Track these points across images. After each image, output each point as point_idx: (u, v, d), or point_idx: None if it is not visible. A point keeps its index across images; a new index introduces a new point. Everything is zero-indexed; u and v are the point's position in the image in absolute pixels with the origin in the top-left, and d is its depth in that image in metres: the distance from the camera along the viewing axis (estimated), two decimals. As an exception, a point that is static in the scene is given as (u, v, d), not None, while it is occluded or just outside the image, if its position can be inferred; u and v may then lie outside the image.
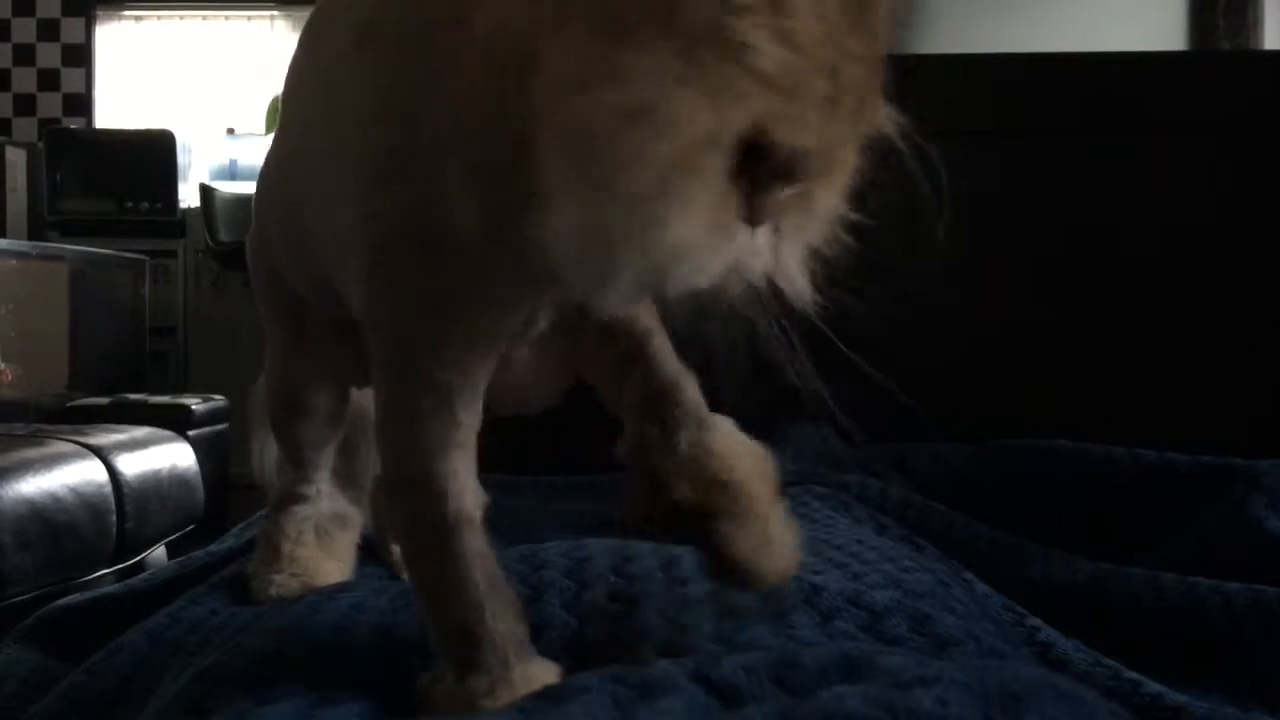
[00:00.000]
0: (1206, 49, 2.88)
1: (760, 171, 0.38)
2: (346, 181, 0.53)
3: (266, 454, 0.91)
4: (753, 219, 0.39)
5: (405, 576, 0.84)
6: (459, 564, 0.52)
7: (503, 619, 0.52)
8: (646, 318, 0.59)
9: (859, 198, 0.43)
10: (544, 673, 0.52)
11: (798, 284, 0.43)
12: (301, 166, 0.64)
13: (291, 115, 0.68)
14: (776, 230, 0.40)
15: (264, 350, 0.81)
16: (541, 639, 0.58)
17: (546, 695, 0.47)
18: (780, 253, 0.41)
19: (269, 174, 0.75)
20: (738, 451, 0.57)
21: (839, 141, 0.39)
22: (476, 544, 0.53)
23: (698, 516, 0.56)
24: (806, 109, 0.37)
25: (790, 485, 1.03)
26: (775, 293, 0.43)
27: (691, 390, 0.59)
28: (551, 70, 0.38)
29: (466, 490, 0.53)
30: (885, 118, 0.42)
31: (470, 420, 0.53)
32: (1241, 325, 1.38)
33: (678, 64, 0.36)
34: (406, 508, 0.54)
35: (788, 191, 0.39)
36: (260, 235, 0.79)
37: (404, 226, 0.49)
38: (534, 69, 0.39)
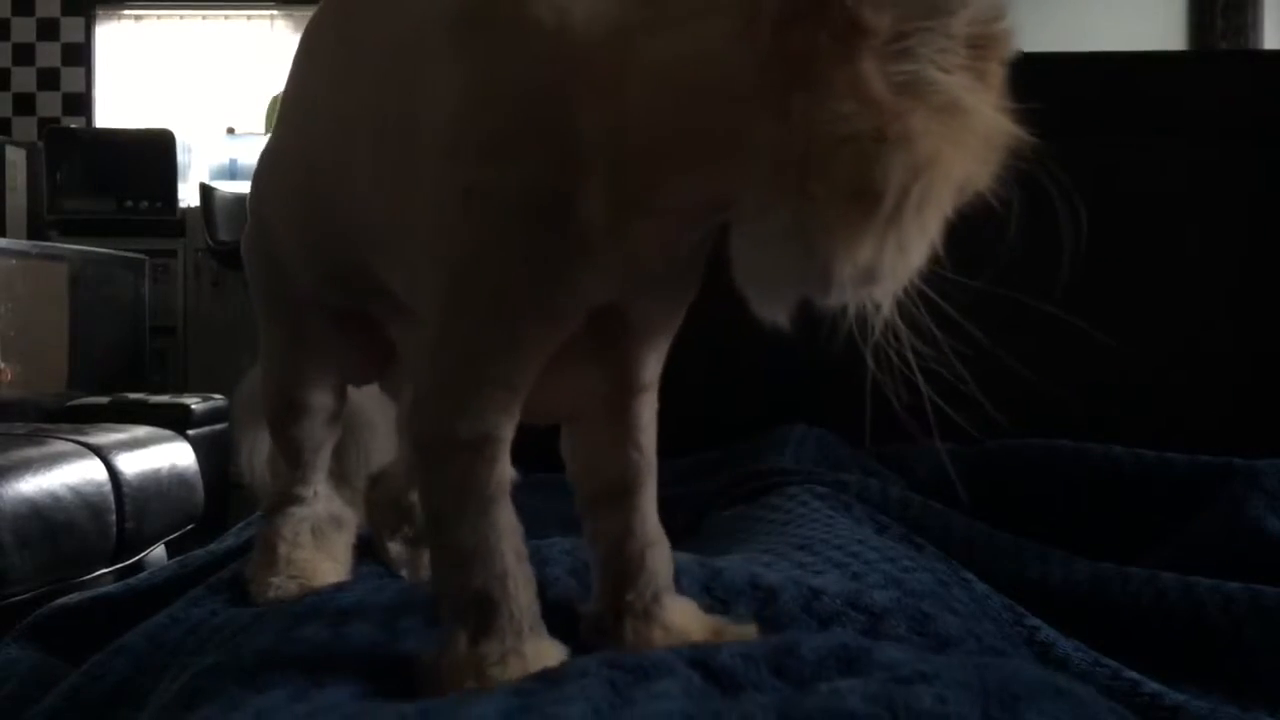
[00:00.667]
0: (1206, 48, 2.88)
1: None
2: (425, 162, 0.55)
3: (256, 455, 0.91)
4: None
5: (404, 574, 0.85)
6: (493, 531, 0.54)
7: (524, 592, 0.54)
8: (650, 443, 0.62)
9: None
10: (553, 651, 0.54)
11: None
12: (335, 154, 0.64)
13: (316, 106, 0.67)
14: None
15: (262, 350, 0.81)
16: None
17: (545, 677, 0.47)
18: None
19: (275, 168, 0.74)
20: (691, 628, 0.60)
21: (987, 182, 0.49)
22: (510, 516, 0.55)
23: None
24: (998, 157, 0.48)
25: (790, 485, 1.03)
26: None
27: (656, 563, 0.61)
28: (806, 124, 0.45)
29: (509, 463, 0.55)
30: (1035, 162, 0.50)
31: (522, 398, 0.55)
32: (1240, 324, 1.38)
33: (941, 127, 0.45)
34: (452, 469, 0.54)
35: None
36: (258, 231, 0.78)
37: (518, 200, 0.52)
38: (729, 109, 0.46)
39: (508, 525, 0.55)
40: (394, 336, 0.75)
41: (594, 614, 0.62)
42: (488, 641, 0.53)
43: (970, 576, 0.85)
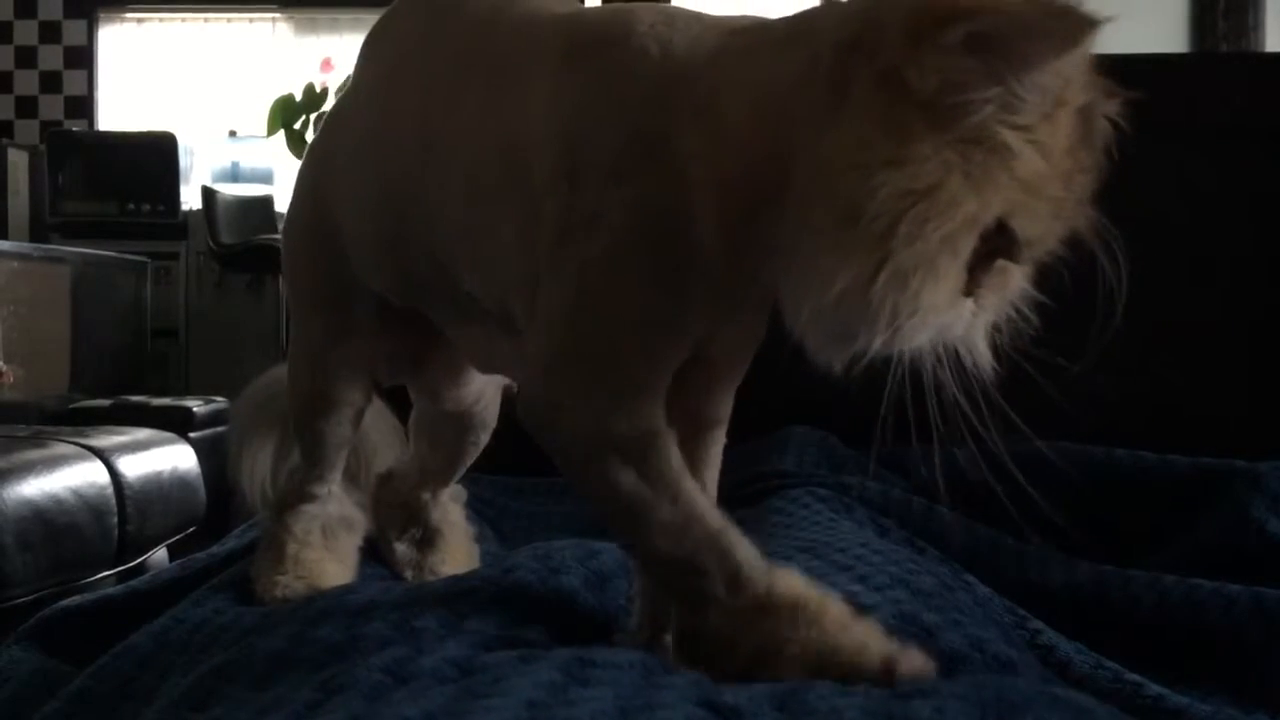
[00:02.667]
0: (1208, 51, 2.88)
1: (984, 250, 0.46)
2: (541, 186, 0.57)
3: (258, 471, 0.91)
4: (965, 289, 0.47)
5: (409, 575, 0.85)
6: (695, 500, 0.55)
7: (740, 538, 0.55)
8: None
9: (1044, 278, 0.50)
10: (792, 578, 0.55)
11: (981, 350, 0.50)
12: (425, 172, 0.66)
13: (400, 124, 0.69)
14: (976, 301, 0.48)
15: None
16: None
17: (557, 687, 0.47)
18: (974, 321, 0.49)
19: (346, 172, 0.75)
20: None
21: (1054, 234, 0.48)
22: (695, 485, 0.56)
23: None
24: (1042, 206, 0.46)
25: (792, 487, 1.03)
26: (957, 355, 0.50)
27: None
28: (832, 153, 0.45)
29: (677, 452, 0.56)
30: (1089, 216, 0.49)
31: (662, 399, 0.56)
32: (1241, 326, 1.38)
33: (956, 157, 0.43)
34: (629, 467, 0.54)
35: (997, 269, 0.46)
36: (312, 223, 0.78)
37: (639, 223, 0.53)
38: (793, 133, 0.47)
39: (698, 491, 0.56)
40: (451, 336, 0.76)
41: (634, 635, 0.62)
42: (744, 590, 0.53)
43: (972, 579, 0.85)
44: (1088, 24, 0.43)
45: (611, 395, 0.55)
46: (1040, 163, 0.45)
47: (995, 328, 0.51)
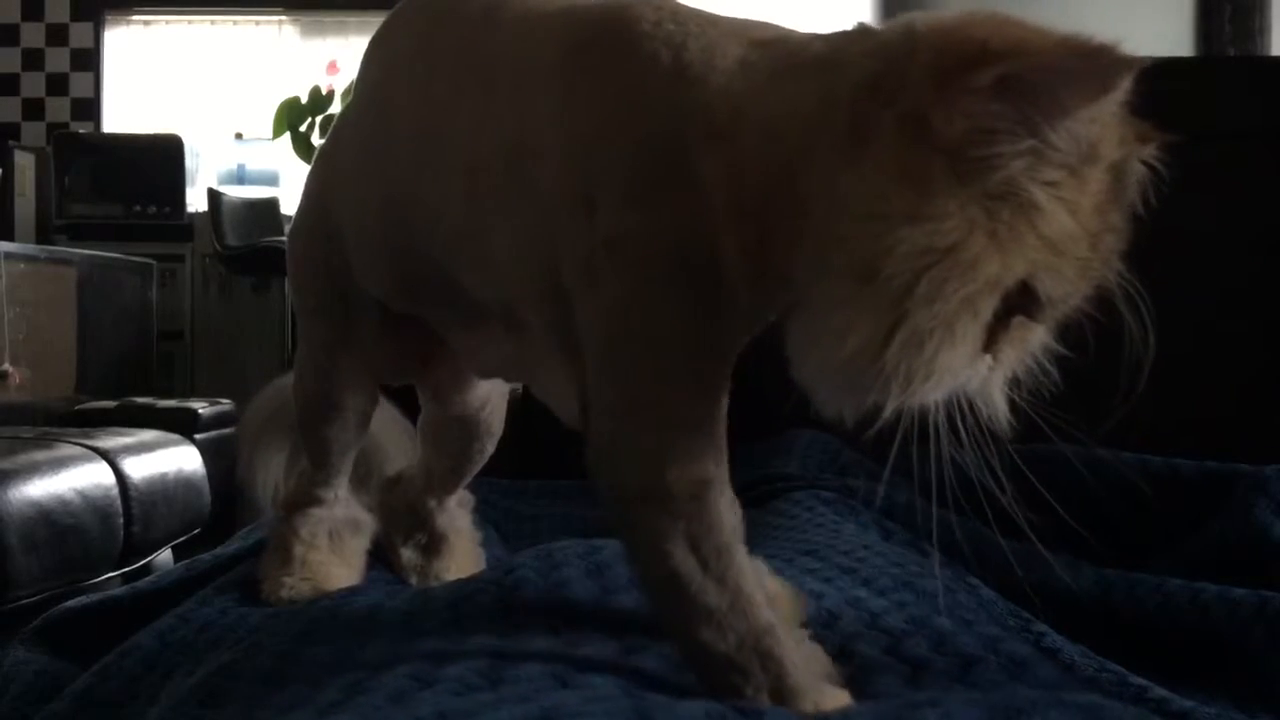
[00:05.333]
0: (1214, 55, 2.88)
1: (1004, 308, 0.44)
2: (553, 208, 0.54)
3: (271, 481, 0.91)
4: (984, 347, 0.45)
5: (413, 581, 0.85)
6: (743, 578, 0.51)
7: (788, 639, 0.51)
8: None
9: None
10: (840, 696, 0.51)
11: (998, 406, 0.48)
12: (423, 180, 0.65)
13: (400, 130, 0.68)
14: (994, 357, 0.46)
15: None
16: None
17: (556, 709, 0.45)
18: (991, 377, 0.47)
19: (350, 179, 0.74)
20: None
21: (1079, 294, 0.46)
22: (745, 558, 0.52)
23: None
24: (1068, 266, 0.43)
25: (797, 490, 1.03)
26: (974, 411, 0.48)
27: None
28: (848, 199, 0.43)
29: (730, 505, 0.53)
30: (1115, 275, 0.46)
31: (716, 440, 0.53)
32: (1244, 330, 1.38)
33: (980, 214, 0.41)
34: (676, 522, 0.51)
35: (1016, 324, 0.45)
36: (316, 229, 0.78)
37: (661, 249, 0.50)
38: (812, 171, 0.45)
39: (749, 568, 0.52)
40: (451, 342, 0.76)
41: None
42: (788, 703, 0.49)
43: (976, 582, 0.85)
44: (1125, 66, 0.40)
45: (664, 437, 0.51)
46: (1069, 222, 0.42)
47: (1012, 382, 0.49)
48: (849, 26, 0.48)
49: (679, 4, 0.55)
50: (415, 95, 0.67)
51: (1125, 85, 0.41)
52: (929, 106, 0.41)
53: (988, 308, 0.43)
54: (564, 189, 0.54)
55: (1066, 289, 0.44)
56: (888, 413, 0.44)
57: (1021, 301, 0.44)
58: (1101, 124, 0.43)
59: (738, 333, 0.53)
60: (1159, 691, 0.66)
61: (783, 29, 0.53)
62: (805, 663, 0.51)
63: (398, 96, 0.69)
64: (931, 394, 0.44)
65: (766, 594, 0.53)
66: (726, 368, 0.53)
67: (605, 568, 0.68)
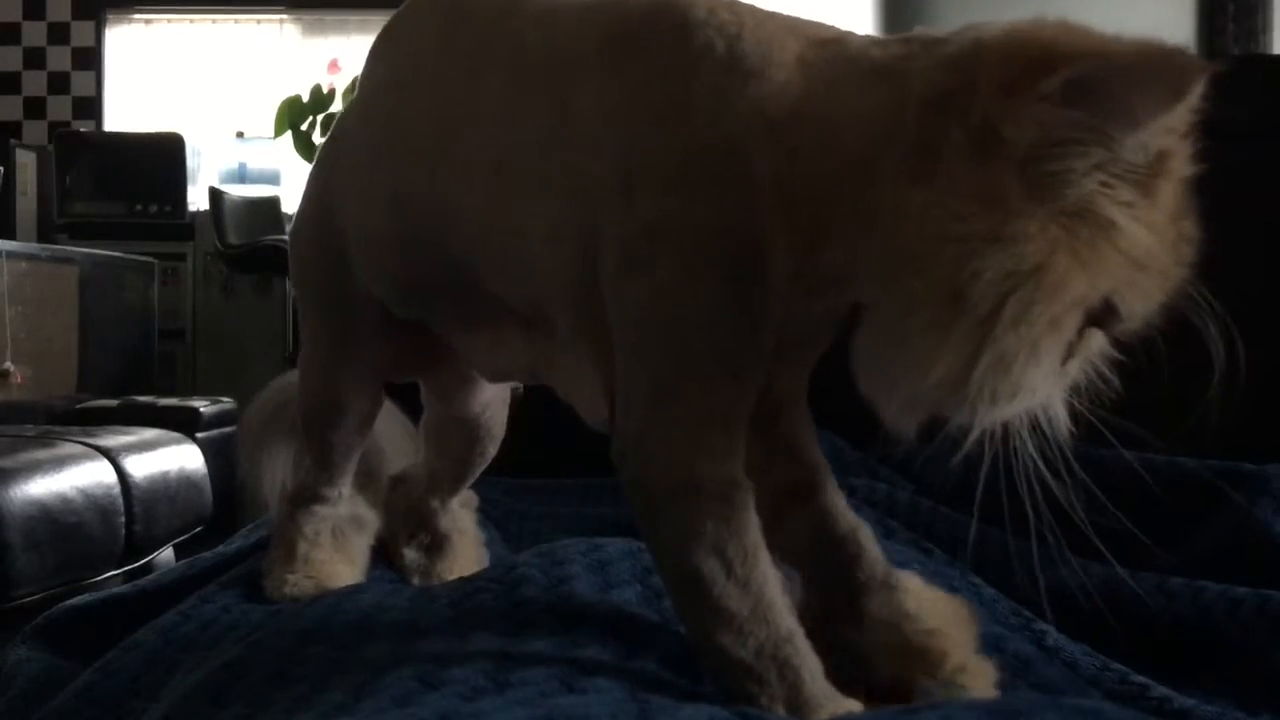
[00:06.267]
0: (1218, 53, 2.88)
1: (1084, 323, 0.44)
2: (591, 197, 0.53)
3: (277, 479, 0.91)
4: (1063, 360, 0.45)
5: (416, 581, 0.85)
6: (767, 584, 0.50)
7: (810, 650, 0.50)
8: (814, 448, 0.59)
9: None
10: (856, 706, 0.50)
11: (1059, 413, 0.48)
12: (440, 173, 0.64)
13: (414, 125, 0.67)
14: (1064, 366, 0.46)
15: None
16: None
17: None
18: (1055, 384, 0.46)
19: (356, 178, 0.73)
20: (933, 610, 0.56)
21: (1157, 306, 0.46)
22: (770, 564, 0.51)
23: (900, 689, 0.54)
24: (1151, 280, 0.44)
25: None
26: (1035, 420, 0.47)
27: (871, 544, 0.57)
28: (922, 218, 0.42)
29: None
30: (1190, 285, 0.47)
31: (743, 440, 0.52)
32: (1246, 329, 1.38)
33: (1061, 233, 0.41)
34: (704, 520, 0.50)
35: (1085, 333, 0.45)
36: (318, 229, 0.78)
37: (706, 240, 0.49)
38: (877, 184, 0.44)
39: (774, 574, 0.51)
40: (456, 345, 0.75)
41: (804, 606, 0.57)
42: (809, 712, 0.48)
43: (978, 580, 0.85)
44: (1198, 70, 0.40)
45: (696, 432, 0.50)
46: (1148, 236, 0.42)
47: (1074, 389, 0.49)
48: (910, 33, 0.47)
49: None
50: (430, 92, 0.66)
51: (1198, 92, 0.41)
52: (999, 116, 0.41)
53: (1072, 325, 0.43)
54: (606, 177, 0.53)
55: (1148, 303, 0.45)
56: (974, 434, 0.45)
57: (1099, 314, 0.44)
58: (1174, 134, 0.42)
59: (774, 332, 0.52)
60: (1160, 690, 0.66)
61: (839, 29, 0.52)
62: (823, 676, 0.50)
63: (410, 94, 0.68)
64: (1015, 411, 0.45)
65: (943, 616, 0.53)
66: (762, 367, 0.52)
67: (607, 565, 0.68)
